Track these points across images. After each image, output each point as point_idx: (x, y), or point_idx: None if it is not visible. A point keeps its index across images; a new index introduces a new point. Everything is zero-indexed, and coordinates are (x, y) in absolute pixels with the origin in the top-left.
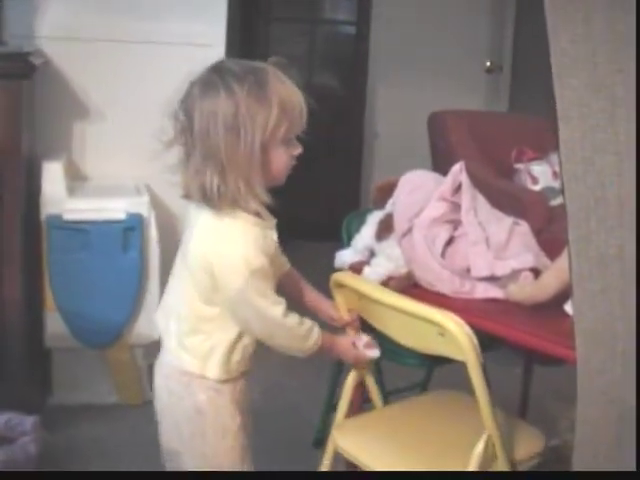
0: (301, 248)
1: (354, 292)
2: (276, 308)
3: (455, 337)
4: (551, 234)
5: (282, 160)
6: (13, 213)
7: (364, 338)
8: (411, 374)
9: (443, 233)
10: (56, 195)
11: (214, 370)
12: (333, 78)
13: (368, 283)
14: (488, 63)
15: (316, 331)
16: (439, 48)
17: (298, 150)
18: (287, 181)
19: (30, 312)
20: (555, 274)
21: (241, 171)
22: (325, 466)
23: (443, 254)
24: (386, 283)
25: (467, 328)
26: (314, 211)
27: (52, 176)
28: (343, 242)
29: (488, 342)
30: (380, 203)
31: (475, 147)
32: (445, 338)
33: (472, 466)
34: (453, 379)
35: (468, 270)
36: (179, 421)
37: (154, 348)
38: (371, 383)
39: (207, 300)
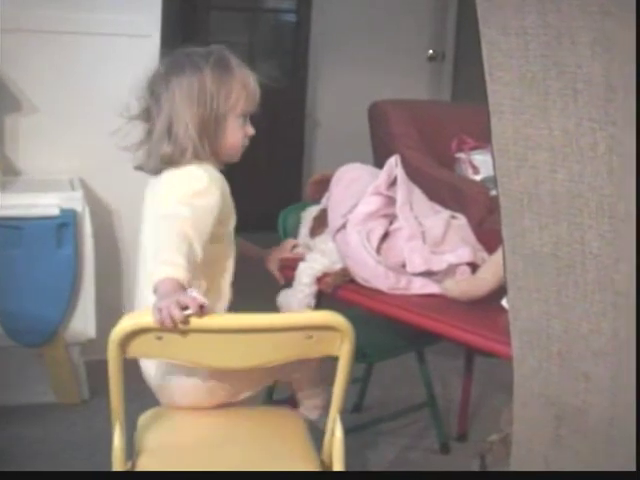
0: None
1: (153, 333)
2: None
3: (342, 328)
4: (492, 225)
5: (238, 135)
6: None
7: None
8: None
9: (378, 228)
10: None
11: None
12: (274, 67)
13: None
14: (430, 51)
15: (181, 263)
16: (381, 36)
17: (251, 131)
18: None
19: None
20: (492, 269)
21: (205, 133)
22: None
23: (378, 249)
24: (322, 279)
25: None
26: (255, 203)
27: None
28: (280, 237)
29: (428, 335)
30: (315, 197)
31: (417, 137)
32: (313, 339)
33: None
34: (394, 373)
35: (404, 265)
36: None
37: (90, 346)
38: None
39: None
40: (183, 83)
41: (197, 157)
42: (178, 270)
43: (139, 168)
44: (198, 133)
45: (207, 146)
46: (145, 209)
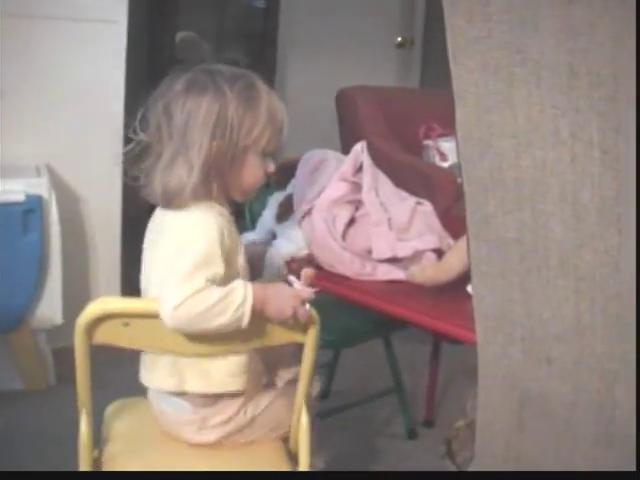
0: None
1: (120, 319)
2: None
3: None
4: (459, 212)
5: (256, 172)
6: None
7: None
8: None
9: (344, 214)
10: None
11: None
12: (243, 53)
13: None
14: (399, 38)
15: (241, 287)
16: (350, 23)
17: (272, 168)
18: None
19: None
20: (457, 255)
21: (216, 169)
22: None
23: (344, 235)
24: (288, 265)
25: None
26: None
27: None
28: (247, 223)
29: (395, 322)
30: (282, 183)
31: (385, 124)
32: (278, 325)
33: None
34: (361, 359)
35: (370, 251)
36: None
37: (57, 332)
38: None
39: None
40: (202, 106)
41: (196, 197)
42: (240, 291)
43: (149, 198)
44: (207, 167)
45: (215, 184)
46: (149, 248)
